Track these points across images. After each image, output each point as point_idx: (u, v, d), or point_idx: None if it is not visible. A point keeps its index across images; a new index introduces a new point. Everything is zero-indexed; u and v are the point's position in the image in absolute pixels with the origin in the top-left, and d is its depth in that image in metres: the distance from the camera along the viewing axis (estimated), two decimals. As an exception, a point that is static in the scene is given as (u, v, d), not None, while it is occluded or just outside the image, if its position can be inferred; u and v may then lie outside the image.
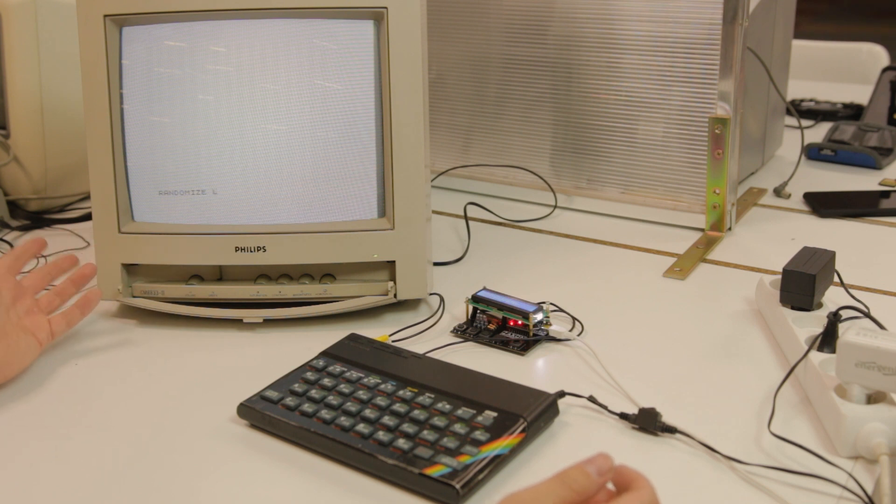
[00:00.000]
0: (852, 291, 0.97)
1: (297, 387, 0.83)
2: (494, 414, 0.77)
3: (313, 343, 0.91)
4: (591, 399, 0.82)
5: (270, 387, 0.83)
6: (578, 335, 0.94)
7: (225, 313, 0.97)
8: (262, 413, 0.80)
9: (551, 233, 1.22)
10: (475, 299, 0.97)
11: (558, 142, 1.29)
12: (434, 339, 0.95)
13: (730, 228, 1.20)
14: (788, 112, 1.47)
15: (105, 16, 0.94)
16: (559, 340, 0.94)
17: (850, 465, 0.73)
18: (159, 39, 0.94)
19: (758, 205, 1.30)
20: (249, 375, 0.87)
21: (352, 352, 0.88)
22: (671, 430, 0.78)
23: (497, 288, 0.99)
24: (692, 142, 1.19)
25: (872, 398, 0.76)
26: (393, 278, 0.98)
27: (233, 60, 0.94)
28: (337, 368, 0.85)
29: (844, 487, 0.70)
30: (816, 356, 0.82)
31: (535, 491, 0.59)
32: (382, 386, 0.82)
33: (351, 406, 0.79)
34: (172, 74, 0.94)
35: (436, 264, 1.11)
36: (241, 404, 0.81)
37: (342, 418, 0.78)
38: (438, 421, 0.77)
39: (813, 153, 1.47)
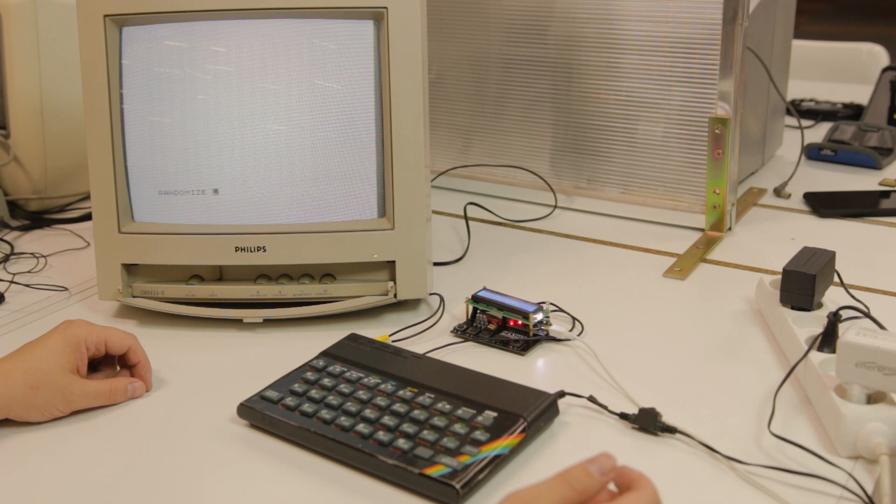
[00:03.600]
0: (852, 291, 0.97)
1: (297, 387, 0.83)
2: (494, 414, 0.77)
3: (313, 343, 0.91)
4: (591, 399, 0.82)
5: (270, 387, 0.83)
6: (578, 335, 0.94)
7: (225, 313, 0.97)
8: (262, 413, 0.80)
9: (551, 233, 1.22)
10: (475, 299, 0.97)
11: (558, 142, 1.29)
12: (434, 339, 0.94)
13: (730, 228, 1.20)
14: (788, 112, 1.47)
15: (105, 16, 0.94)
16: (559, 340, 0.94)
17: (850, 465, 0.73)
18: (159, 39, 0.94)
19: (758, 205, 1.30)
20: (249, 375, 0.87)
21: (352, 352, 0.88)
22: (671, 430, 0.78)
23: (497, 288, 0.99)
24: (692, 142, 1.19)
25: (872, 398, 0.76)
26: (393, 278, 0.98)
27: (233, 60, 0.94)
28: (337, 368, 0.85)
29: (844, 487, 0.70)
30: (816, 356, 0.82)
31: (537, 490, 0.59)
32: (382, 386, 0.82)
33: (351, 406, 0.79)
34: (172, 74, 0.94)
35: (436, 264, 1.11)
36: (241, 404, 0.81)
37: (342, 418, 0.78)
38: (438, 421, 0.77)
39: (813, 153, 1.47)
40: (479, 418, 0.77)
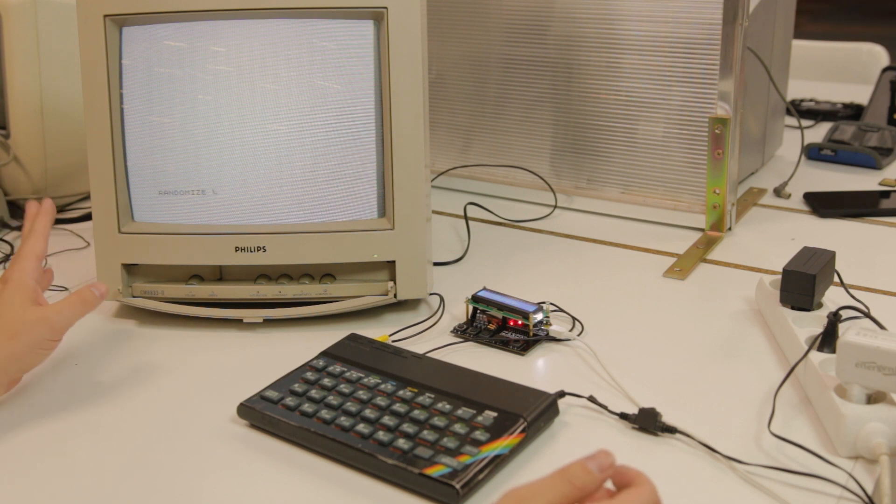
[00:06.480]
0: (852, 291, 0.97)
1: (297, 387, 0.83)
2: (494, 414, 0.77)
3: (313, 343, 0.91)
4: (591, 399, 0.82)
5: (270, 387, 0.83)
6: (578, 335, 0.94)
7: (225, 313, 0.97)
8: (262, 413, 0.80)
9: (551, 233, 1.22)
10: (475, 299, 0.97)
11: (558, 142, 1.29)
12: (434, 339, 0.95)
13: (730, 228, 1.20)
14: (788, 112, 1.47)
15: (105, 16, 0.94)
16: (559, 340, 0.94)
17: (850, 465, 0.73)
18: (159, 39, 0.94)
19: (758, 205, 1.30)
20: (249, 375, 0.87)
21: (352, 352, 0.88)
22: (671, 430, 0.78)
23: (497, 288, 0.99)
24: (692, 142, 1.19)
25: (872, 398, 0.76)
26: (393, 278, 0.98)
27: (233, 60, 0.94)
28: (337, 368, 0.85)
29: (844, 487, 0.70)
30: (816, 356, 0.82)
31: (536, 486, 0.59)
32: (382, 386, 0.82)
33: (351, 406, 0.79)
34: (172, 74, 0.94)
35: (436, 264, 1.11)
36: (241, 404, 0.81)
37: (342, 418, 0.78)
38: (438, 421, 0.77)
39: (813, 153, 1.47)
40: (479, 418, 0.77)
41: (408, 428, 0.76)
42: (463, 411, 0.78)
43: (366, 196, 0.96)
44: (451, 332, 0.96)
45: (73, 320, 0.85)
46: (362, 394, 0.81)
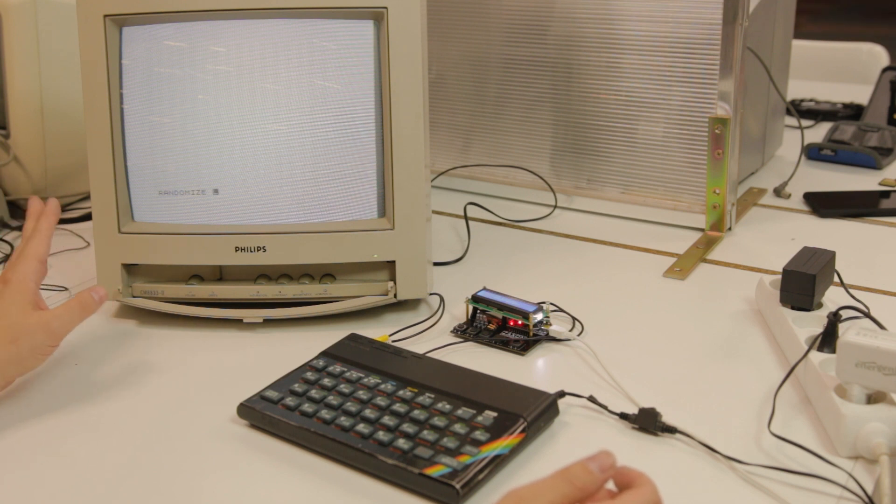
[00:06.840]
0: (852, 291, 0.97)
1: (297, 387, 0.83)
2: (494, 414, 0.77)
3: (313, 343, 0.91)
4: (591, 399, 0.82)
5: (270, 387, 0.83)
6: (578, 335, 0.94)
7: (225, 313, 0.97)
8: (262, 413, 0.80)
9: (551, 233, 1.22)
10: (475, 299, 0.97)
11: (558, 142, 1.29)
12: (434, 339, 0.95)
13: (730, 228, 1.20)
14: (788, 112, 1.47)
15: (105, 16, 0.94)
16: (559, 340, 0.94)
17: (850, 465, 0.73)
18: (159, 39, 0.94)
19: (758, 205, 1.30)
20: (249, 375, 0.87)
21: (352, 352, 0.88)
22: (671, 430, 0.78)
23: (497, 288, 0.99)
24: (692, 142, 1.19)
25: (872, 398, 0.76)
26: (393, 278, 0.98)
27: (233, 60, 0.94)
28: (337, 368, 0.85)
29: (844, 487, 0.70)
30: (816, 356, 0.82)
31: (536, 487, 0.59)
32: (382, 386, 0.82)
33: (351, 406, 0.79)
34: (172, 74, 0.94)
35: (436, 264, 1.11)
36: (241, 404, 0.81)
37: (342, 418, 0.78)
38: (438, 421, 0.77)
39: (813, 153, 1.47)
40: (479, 418, 0.77)
41: (408, 428, 0.76)
42: (463, 411, 0.78)
43: (366, 196, 0.96)
44: (451, 332, 0.96)
45: (72, 325, 0.86)
46: (362, 394, 0.81)
